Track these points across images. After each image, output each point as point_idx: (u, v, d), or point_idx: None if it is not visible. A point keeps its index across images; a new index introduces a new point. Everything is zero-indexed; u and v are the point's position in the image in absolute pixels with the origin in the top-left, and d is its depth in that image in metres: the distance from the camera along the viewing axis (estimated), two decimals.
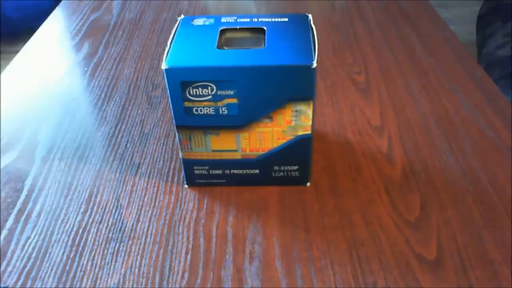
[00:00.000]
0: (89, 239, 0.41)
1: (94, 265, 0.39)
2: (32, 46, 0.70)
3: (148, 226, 0.42)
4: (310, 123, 0.40)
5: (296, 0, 0.81)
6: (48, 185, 0.46)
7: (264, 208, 0.43)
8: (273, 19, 0.43)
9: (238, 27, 0.42)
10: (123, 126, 0.53)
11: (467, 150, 0.48)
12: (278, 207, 0.43)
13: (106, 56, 0.67)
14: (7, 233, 0.42)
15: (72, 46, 0.70)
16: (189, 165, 0.43)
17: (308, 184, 0.45)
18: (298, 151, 0.42)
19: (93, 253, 0.40)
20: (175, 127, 0.41)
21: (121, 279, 0.37)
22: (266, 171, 0.43)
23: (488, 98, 0.55)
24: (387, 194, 0.44)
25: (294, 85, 0.38)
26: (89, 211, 0.43)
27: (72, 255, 0.39)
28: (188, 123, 0.40)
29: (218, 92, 0.38)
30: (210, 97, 0.38)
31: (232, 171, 0.43)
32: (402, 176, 0.46)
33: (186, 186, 0.45)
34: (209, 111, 0.39)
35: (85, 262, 0.39)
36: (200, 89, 0.38)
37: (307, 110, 0.39)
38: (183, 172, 0.47)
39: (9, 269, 0.39)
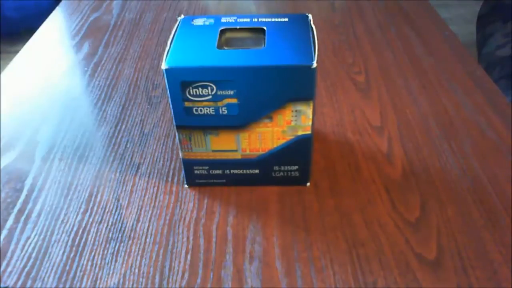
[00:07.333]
0: (89, 239, 0.41)
1: (94, 265, 0.39)
2: (32, 46, 0.70)
3: (148, 226, 0.42)
4: (310, 123, 0.40)
5: (296, 0, 0.81)
6: (48, 185, 0.46)
7: (264, 208, 0.43)
8: (273, 19, 0.43)
9: (238, 27, 0.42)
10: (123, 126, 0.53)
11: (467, 150, 0.48)
12: (278, 207, 0.43)
13: (106, 56, 0.67)
14: (7, 233, 0.42)
15: (72, 46, 0.70)
16: (189, 165, 0.43)
17: (308, 184, 0.45)
18: (298, 151, 0.42)
19: (93, 253, 0.40)
20: (175, 127, 0.41)
21: (121, 279, 0.37)
22: (266, 171, 0.43)
23: (488, 98, 0.55)
24: (387, 194, 0.44)
25: (294, 85, 0.38)
26: (89, 211, 0.43)
27: (72, 255, 0.39)
28: (188, 123, 0.40)
29: (218, 92, 0.38)
30: (210, 97, 0.38)
31: (232, 171, 0.43)
32: (402, 176, 0.46)
33: (186, 186, 0.45)
34: (209, 111, 0.39)
35: (85, 262, 0.39)
36: (200, 89, 0.38)
37: (307, 110, 0.39)
38: (183, 172, 0.47)
39: (9, 269, 0.39)
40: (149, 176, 0.47)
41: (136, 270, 0.38)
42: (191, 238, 0.40)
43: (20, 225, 0.42)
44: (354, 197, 0.43)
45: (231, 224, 0.41)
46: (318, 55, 0.65)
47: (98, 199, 0.44)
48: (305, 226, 0.41)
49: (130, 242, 0.40)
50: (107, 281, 0.37)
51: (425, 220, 0.41)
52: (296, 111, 0.39)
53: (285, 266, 0.38)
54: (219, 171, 0.43)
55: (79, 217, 0.43)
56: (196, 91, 0.38)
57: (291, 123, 0.40)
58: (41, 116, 0.56)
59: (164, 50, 0.68)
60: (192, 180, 0.44)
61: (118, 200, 0.44)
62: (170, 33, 0.72)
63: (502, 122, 0.52)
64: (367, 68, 0.62)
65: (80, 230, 0.41)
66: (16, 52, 1.97)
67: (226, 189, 0.45)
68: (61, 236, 0.41)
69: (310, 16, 0.43)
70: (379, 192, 0.44)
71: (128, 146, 0.51)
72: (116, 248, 0.40)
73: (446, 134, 0.50)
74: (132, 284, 0.37)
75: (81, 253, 0.40)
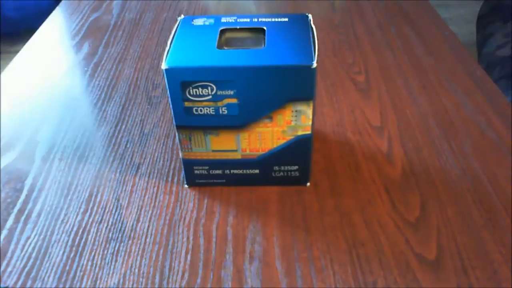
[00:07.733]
0: (89, 239, 0.41)
1: (94, 265, 0.39)
2: (32, 46, 0.70)
3: (148, 226, 0.42)
4: (310, 123, 0.40)
5: (296, 0, 0.81)
6: (48, 185, 0.46)
7: (264, 208, 0.43)
8: (273, 19, 0.43)
9: (238, 27, 0.42)
10: (123, 126, 0.53)
11: (467, 150, 0.48)
12: (278, 207, 0.43)
13: (106, 56, 0.67)
14: (7, 233, 0.42)
15: (72, 46, 0.70)
16: (189, 165, 0.43)
17: (308, 184, 0.45)
18: (298, 151, 0.42)
19: (93, 253, 0.40)
20: (175, 127, 0.41)
21: (121, 279, 0.37)
22: (266, 171, 0.43)
23: (488, 98, 0.55)
24: (387, 194, 0.44)
25: (294, 85, 0.38)
26: (89, 211, 0.43)
27: (72, 255, 0.39)
28: (188, 123, 0.40)
29: (218, 92, 0.38)
30: (210, 97, 0.38)
31: (232, 171, 0.43)
32: (402, 176, 0.46)
33: (186, 186, 0.45)
34: (209, 111, 0.39)
35: (85, 262, 0.39)
36: (200, 89, 0.38)
37: (307, 110, 0.39)
38: (183, 172, 0.47)
39: (9, 269, 0.39)
40: (149, 176, 0.47)
41: (136, 270, 0.38)
42: (191, 238, 0.40)
43: (20, 225, 0.42)
44: (354, 197, 0.44)
45: (231, 224, 0.41)
46: (318, 55, 0.65)
47: (98, 199, 0.44)
48: (305, 226, 0.41)
49: (130, 242, 0.40)
50: (107, 281, 0.37)
51: (425, 220, 0.41)
52: (296, 111, 0.39)
53: (285, 266, 0.38)
54: (219, 171, 0.44)
55: (79, 217, 0.43)
56: (196, 91, 0.38)
57: (291, 123, 0.40)
58: (41, 116, 0.56)
59: (164, 50, 0.68)
60: (192, 180, 0.44)
61: (118, 200, 0.44)
62: (170, 33, 0.72)
63: (502, 122, 0.52)
64: (367, 68, 0.62)
65: (80, 230, 0.41)
66: (16, 52, 1.97)
67: (226, 189, 0.45)
68: (61, 236, 0.41)
69: (310, 16, 0.43)
70: (379, 192, 0.44)
71: (128, 146, 0.51)
72: (116, 248, 0.40)
73: (446, 134, 0.50)
74: (132, 284, 0.37)
75: (81, 253, 0.40)
